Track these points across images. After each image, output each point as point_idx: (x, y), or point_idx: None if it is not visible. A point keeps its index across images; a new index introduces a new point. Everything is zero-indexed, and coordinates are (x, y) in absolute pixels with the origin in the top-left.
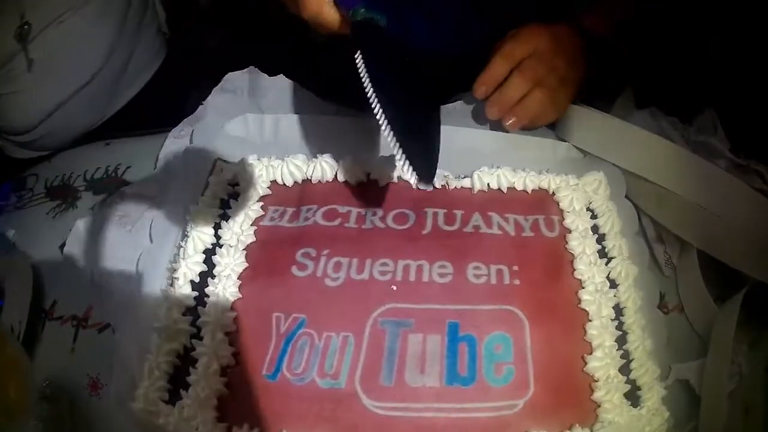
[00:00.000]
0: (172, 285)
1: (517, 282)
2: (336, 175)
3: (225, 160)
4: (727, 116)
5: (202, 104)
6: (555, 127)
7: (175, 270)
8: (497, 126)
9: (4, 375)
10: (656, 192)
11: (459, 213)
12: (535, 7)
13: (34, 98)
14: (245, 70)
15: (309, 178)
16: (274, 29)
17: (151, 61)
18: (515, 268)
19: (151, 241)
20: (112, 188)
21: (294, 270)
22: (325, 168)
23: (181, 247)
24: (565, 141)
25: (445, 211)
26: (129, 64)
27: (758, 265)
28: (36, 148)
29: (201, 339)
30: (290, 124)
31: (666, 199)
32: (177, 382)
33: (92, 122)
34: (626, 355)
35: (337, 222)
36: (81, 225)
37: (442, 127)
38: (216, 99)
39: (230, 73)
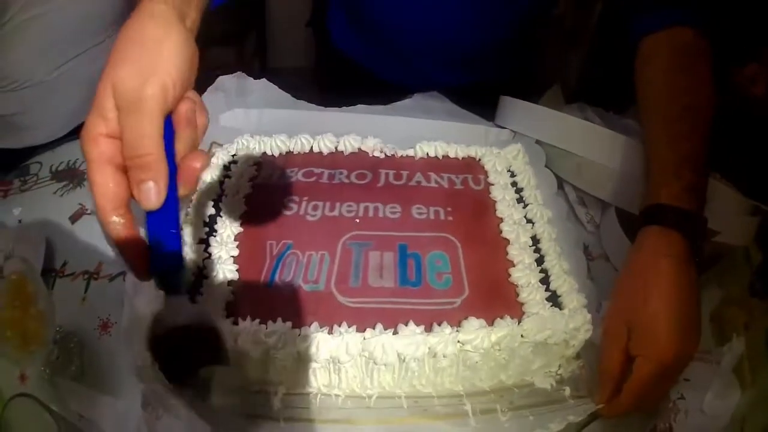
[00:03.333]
0: (187, 224)
1: (450, 219)
2: (311, 148)
3: (219, 143)
4: None
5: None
6: (494, 116)
7: (188, 213)
8: (435, 117)
9: (24, 308)
10: (575, 161)
11: (405, 173)
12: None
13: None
14: (235, 74)
15: (291, 150)
16: None
17: None
18: (449, 209)
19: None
20: None
21: (283, 210)
22: (303, 142)
23: (192, 200)
24: (500, 126)
25: (395, 171)
26: None
27: None
28: (26, 126)
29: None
30: (272, 116)
31: (584, 167)
32: (193, 293)
33: (67, 117)
34: (545, 272)
35: (313, 179)
36: None
37: (394, 117)
38: (209, 96)
39: (221, 76)
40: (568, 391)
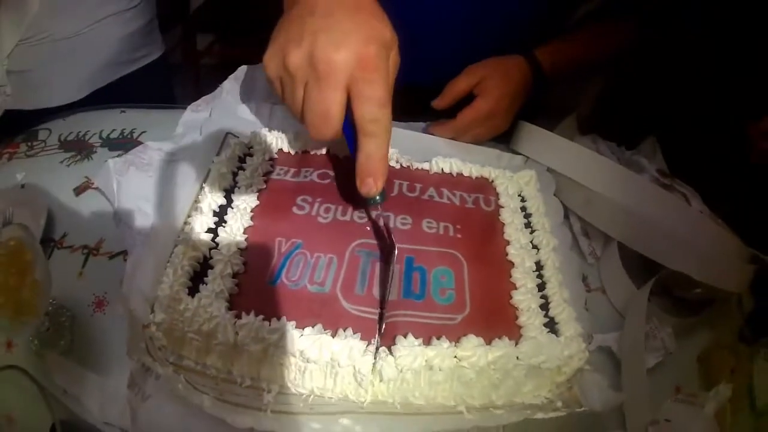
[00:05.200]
0: (196, 212)
1: (459, 236)
2: (328, 150)
3: (235, 135)
4: (672, 145)
5: (220, 87)
6: (508, 140)
7: (199, 201)
8: None
9: (20, 276)
10: (584, 193)
11: (419, 186)
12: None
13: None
14: (258, 65)
15: (308, 150)
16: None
17: (150, 52)
18: (458, 226)
19: (175, 183)
20: (127, 147)
21: (294, 209)
22: (321, 142)
23: (203, 187)
24: (513, 150)
25: (408, 183)
26: (132, 41)
27: (672, 256)
28: (42, 85)
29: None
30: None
31: (592, 200)
32: (196, 282)
33: (83, 80)
34: (546, 298)
35: (328, 181)
36: (111, 164)
37: (413, 134)
38: (231, 84)
39: (243, 65)
40: (560, 403)
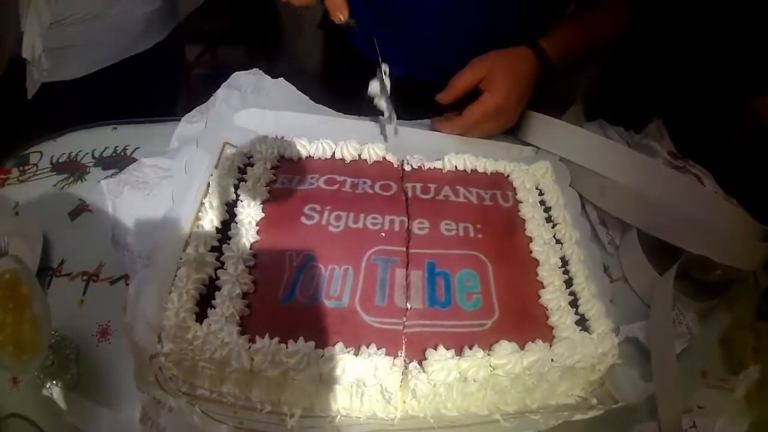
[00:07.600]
0: (198, 230)
1: (480, 236)
2: (333, 154)
3: (233, 145)
4: (677, 126)
5: (213, 96)
6: (516, 131)
7: (199, 219)
8: None
9: (18, 311)
10: (599, 182)
11: (432, 186)
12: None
13: None
14: (251, 71)
15: (311, 155)
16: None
17: (164, 28)
18: (478, 226)
19: (173, 201)
20: (121, 165)
21: (303, 219)
22: (325, 147)
23: (204, 203)
24: (522, 141)
25: (422, 185)
26: (150, 18)
27: (691, 239)
28: (77, 56)
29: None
30: (289, 119)
31: (608, 188)
32: (203, 306)
33: (107, 52)
34: (574, 294)
35: (335, 187)
36: (104, 185)
37: (420, 131)
38: (224, 93)
39: (237, 72)
40: (594, 401)
